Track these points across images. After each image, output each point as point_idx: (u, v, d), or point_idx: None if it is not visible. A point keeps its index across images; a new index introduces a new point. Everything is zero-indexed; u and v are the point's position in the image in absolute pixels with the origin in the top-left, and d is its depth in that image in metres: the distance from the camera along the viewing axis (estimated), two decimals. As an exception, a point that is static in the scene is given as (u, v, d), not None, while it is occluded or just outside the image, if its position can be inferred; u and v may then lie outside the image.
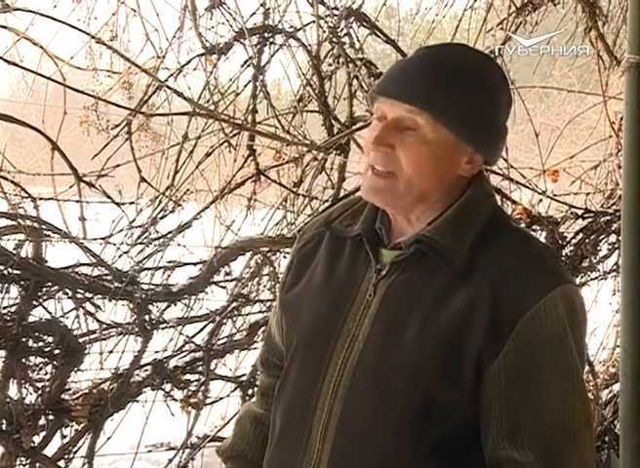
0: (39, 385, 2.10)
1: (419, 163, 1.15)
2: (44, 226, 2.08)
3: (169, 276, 2.37)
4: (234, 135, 2.46)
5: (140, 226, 2.37)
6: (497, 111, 1.20)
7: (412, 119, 1.15)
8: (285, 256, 2.55)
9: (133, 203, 2.34)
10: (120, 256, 2.28)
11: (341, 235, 1.26)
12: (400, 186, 1.16)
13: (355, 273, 1.22)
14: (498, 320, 1.10)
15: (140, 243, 2.37)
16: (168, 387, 2.35)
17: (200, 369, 2.40)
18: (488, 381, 1.11)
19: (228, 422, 2.52)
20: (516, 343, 1.09)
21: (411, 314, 1.14)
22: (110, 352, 2.27)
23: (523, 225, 2.74)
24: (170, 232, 2.41)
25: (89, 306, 2.16)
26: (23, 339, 2.05)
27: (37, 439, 2.12)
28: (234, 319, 2.51)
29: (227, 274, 2.47)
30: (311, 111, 2.62)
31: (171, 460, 2.45)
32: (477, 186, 1.21)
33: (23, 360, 2.06)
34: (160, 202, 2.42)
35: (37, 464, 2.12)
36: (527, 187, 2.98)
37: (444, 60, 1.18)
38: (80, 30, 2.24)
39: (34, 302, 2.07)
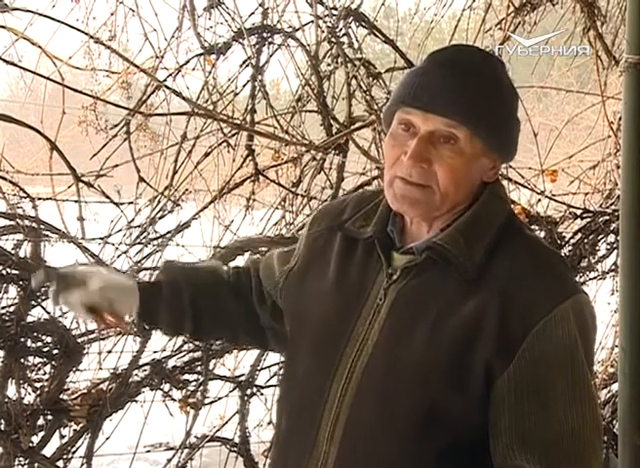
0: (38, 385, 2.10)
1: (456, 176, 1.14)
2: (42, 226, 2.08)
3: (168, 276, 2.37)
4: (233, 135, 2.46)
5: (139, 226, 2.37)
6: (515, 116, 1.20)
7: (450, 132, 1.13)
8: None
9: (131, 203, 2.34)
10: (119, 256, 2.28)
11: (354, 236, 1.25)
12: (436, 199, 1.15)
13: (367, 276, 1.21)
14: (508, 329, 1.09)
15: (139, 243, 2.37)
16: (167, 387, 2.34)
17: (199, 369, 2.39)
18: (498, 391, 1.10)
19: (227, 422, 2.52)
20: (527, 354, 1.09)
21: (420, 320, 1.14)
22: (109, 352, 2.27)
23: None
24: (169, 232, 2.41)
25: (87, 306, 2.15)
26: (22, 339, 2.05)
27: (36, 439, 2.11)
28: (233, 319, 2.50)
29: (226, 274, 2.47)
30: (310, 111, 2.62)
31: (169, 460, 2.45)
32: (492, 192, 1.21)
33: (22, 360, 2.06)
34: (159, 202, 2.42)
35: (36, 464, 2.11)
36: (525, 187, 2.98)
37: (473, 70, 1.16)
38: (79, 30, 2.24)
39: (33, 302, 2.07)
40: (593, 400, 1.13)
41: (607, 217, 3.10)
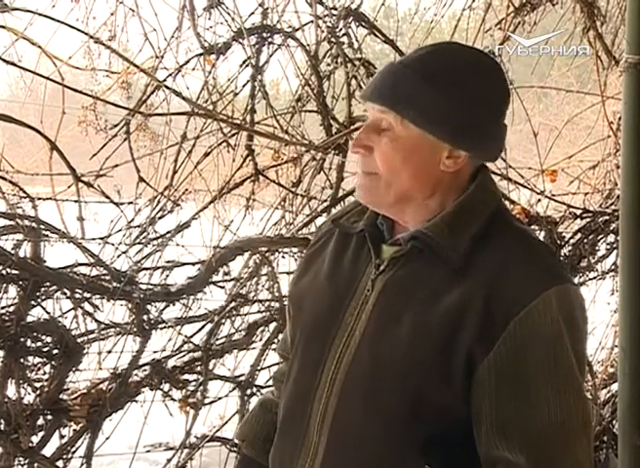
0: (37, 385, 2.09)
1: (390, 161, 1.17)
2: (42, 226, 2.07)
3: (167, 276, 2.37)
4: (233, 134, 2.46)
5: (139, 226, 2.37)
6: (475, 108, 1.16)
7: (384, 119, 1.17)
8: (284, 256, 2.55)
9: (131, 203, 2.34)
10: (118, 256, 2.28)
11: (347, 231, 1.28)
12: (381, 185, 1.19)
13: (357, 268, 1.24)
14: (490, 318, 1.09)
15: (139, 243, 2.37)
16: (166, 387, 2.34)
17: (199, 368, 2.40)
18: (478, 379, 1.11)
19: (227, 422, 2.52)
20: (508, 342, 1.09)
21: (405, 310, 1.15)
22: (109, 352, 2.27)
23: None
24: (168, 232, 2.41)
25: (87, 306, 2.15)
26: (22, 339, 2.05)
27: (35, 439, 2.11)
28: (233, 319, 2.50)
29: (226, 274, 2.47)
30: (310, 111, 2.63)
31: (169, 460, 2.45)
32: (480, 185, 1.20)
33: (22, 360, 2.05)
34: (159, 202, 2.42)
35: (35, 464, 2.12)
36: (525, 187, 2.98)
37: (415, 59, 1.18)
38: (78, 30, 2.24)
39: (32, 302, 2.07)
40: (579, 390, 1.12)
41: (607, 217, 3.10)
